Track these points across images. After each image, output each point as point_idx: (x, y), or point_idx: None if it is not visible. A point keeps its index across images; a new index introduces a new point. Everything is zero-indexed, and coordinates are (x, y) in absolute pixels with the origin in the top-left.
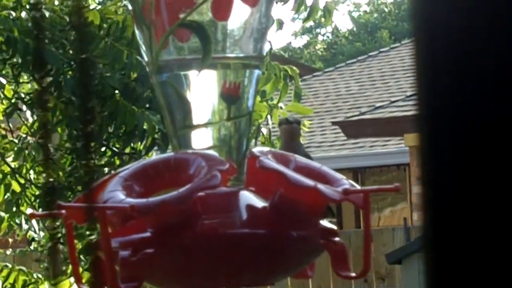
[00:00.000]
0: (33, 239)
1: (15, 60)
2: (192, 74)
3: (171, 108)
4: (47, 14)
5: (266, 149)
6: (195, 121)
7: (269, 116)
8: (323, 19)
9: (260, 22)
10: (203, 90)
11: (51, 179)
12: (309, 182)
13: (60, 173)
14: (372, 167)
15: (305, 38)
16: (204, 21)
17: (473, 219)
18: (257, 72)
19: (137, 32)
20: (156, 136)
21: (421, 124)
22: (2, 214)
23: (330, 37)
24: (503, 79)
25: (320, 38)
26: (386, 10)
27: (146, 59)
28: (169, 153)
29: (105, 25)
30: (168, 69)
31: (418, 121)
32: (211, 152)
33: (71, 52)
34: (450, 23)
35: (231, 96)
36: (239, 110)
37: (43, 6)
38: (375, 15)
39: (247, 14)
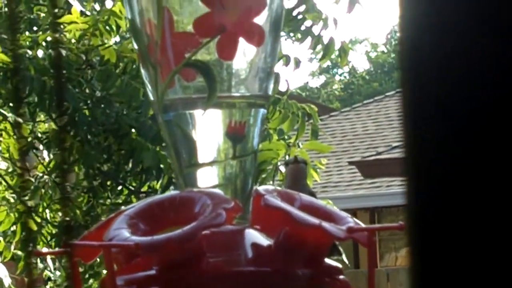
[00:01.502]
0: (49, 279)
1: (31, 98)
2: (198, 113)
3: (177, 146)
4: (63, 52)
5: (271, 187)
6: (200, 160)
7: (286, 155)
8: (339, 59)
9: (266, 61)
10: (208, 129)
11: (67, 218)
12: (314, 220)
13: (77, 212)
14: (389, 207)
15: (322, 78)
16: (210, 61)
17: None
18: (262, 111)
19: (142, 71)
20: (173, 175)
21: (407, 169)
22: (19, 253)
23: (347, 77)
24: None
25: (337, 78)
26: None
27: (151, 98)
28: (175, 191)
29: (121, 64)
30: (173, 108)
31: (404, 166)
32: (217, 190)
33: (87, 90)
34: (438, 75)
35: (236, 135)
36: (245, 149)
37: (60, 45)
38: (392, 55)
39: (252, 54)
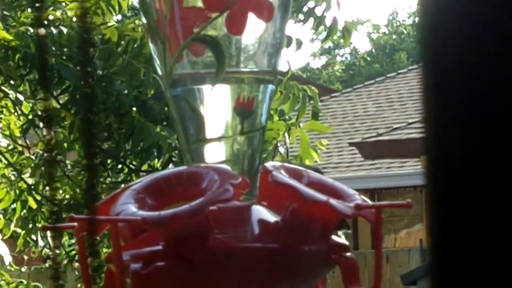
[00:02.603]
0: (48, 257)
1: (32, 76)
2: (206, 88)
3: (185, 122)
4: (65, 30)
5: (278, 163)
6: (208, 135)
7: (286, 135)
8: (341, 40)
9: (275, 37)
10: (216, 105)
11: (67, 196)
12: (322, 197)
13: (77, 190)
14: (389, 189)
15: (324, 59)
16: (219, 36)
17: (482, 242)
18: (270, 87)
19: (151, 46)
20: (173, 153)
21: (428, 147)
22: (19, 230)
23: (349, 58)
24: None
25: (338, 59)
26: (405, 32)
27: (160, 73)
28: (182, 167)
29: (123, 42)
30: (182, 83)
31: (424, 144)
32: (224, 166)
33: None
34: (459, 48)
35: (244, 110)
36: (253, 124)
37: (61, 23)
38: (394, 36)
39: (261, 29)
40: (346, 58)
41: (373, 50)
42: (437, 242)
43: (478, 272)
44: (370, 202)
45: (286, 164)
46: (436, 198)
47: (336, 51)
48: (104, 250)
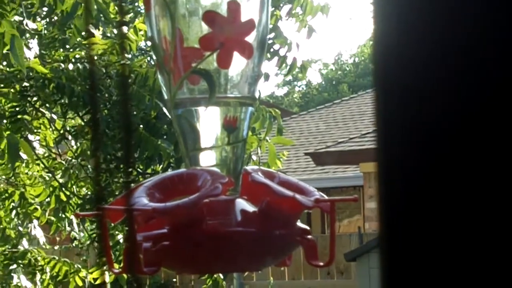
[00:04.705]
0: (75, 238)
1: (63, 101)
2: (201, 109)
3: (185, 135)
4: (87, 66)
5: (256, 167)
6: (203, 145)
7: (258, 147)
8: (299, 74)
9: (253, 70)
10: (209, 122)
11: (89, 192)
12: (289, 192)
13: (97, 188)
14: (335, 188)
15: (285, 89)
16: (211, 69)
17: (419, 226)
18: (250, 108)
19: (159, 77)
20: (171, 160)
21: (378, 155)
22: (52, 218)
23: (305, 88)
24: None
25: (296, 89)
26: (347, 68)
27: (165, 97)
28: (182, 169)
29: (132, 76)
30: (182, 105)
31: (376, 153)
32: (215, 169)
33: (106, 95)
34: (405, 79)
35: (230, 127)
36: (237, 137)
37: (85, 60)
38: (339, 72)
39: (243, 64)
40: (303, 88)
41: (323, 82)
42: (384, 225)
43: (418, 253)
44: (326, 197)
45: (262, 168)
46: (382, 198)
47: (295, 83)
48: (117, 233)
